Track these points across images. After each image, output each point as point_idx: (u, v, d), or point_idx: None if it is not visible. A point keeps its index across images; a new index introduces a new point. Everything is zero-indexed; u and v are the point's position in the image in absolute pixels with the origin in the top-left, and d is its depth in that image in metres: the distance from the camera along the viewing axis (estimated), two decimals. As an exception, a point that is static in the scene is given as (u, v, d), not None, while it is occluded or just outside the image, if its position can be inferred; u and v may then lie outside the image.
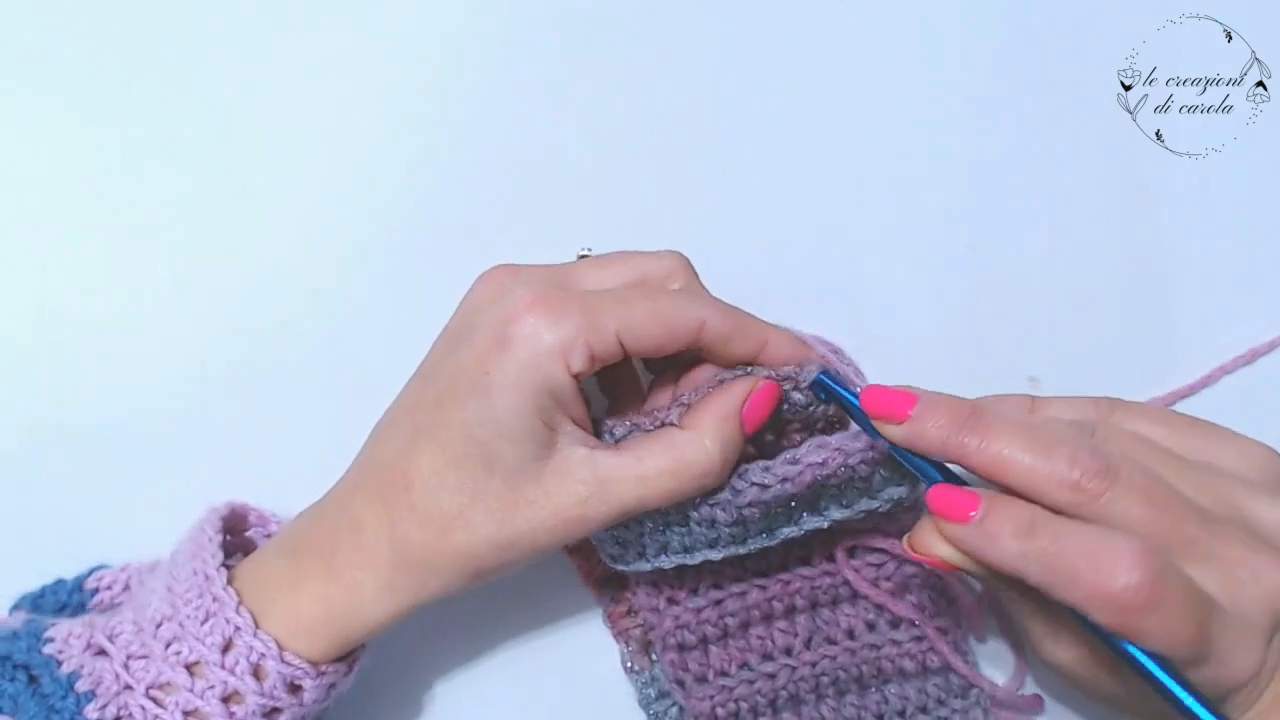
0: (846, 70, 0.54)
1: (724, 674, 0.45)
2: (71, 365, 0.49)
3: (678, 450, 0.40)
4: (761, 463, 0.41)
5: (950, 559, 0.37)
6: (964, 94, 0.54)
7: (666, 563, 0.43)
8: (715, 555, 0.43)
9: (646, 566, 0.44)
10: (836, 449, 0.41)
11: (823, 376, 0.42)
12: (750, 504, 0.41)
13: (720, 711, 0.45)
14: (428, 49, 0.53)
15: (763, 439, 0.43)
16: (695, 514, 0.42)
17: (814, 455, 0.41)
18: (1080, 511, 0.36)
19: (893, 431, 0.38)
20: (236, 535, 0.44)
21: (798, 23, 0.55)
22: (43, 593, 0.44)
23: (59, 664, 0.39)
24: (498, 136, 0.52)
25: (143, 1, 0.52)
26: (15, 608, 0.44)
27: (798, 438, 0.44)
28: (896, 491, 0.43)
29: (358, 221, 0.51)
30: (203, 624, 0.39)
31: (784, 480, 0.41)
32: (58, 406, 0.49)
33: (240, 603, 0.39)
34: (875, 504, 0.43)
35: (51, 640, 0.39)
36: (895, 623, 0.47)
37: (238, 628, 0.38)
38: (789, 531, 0.43)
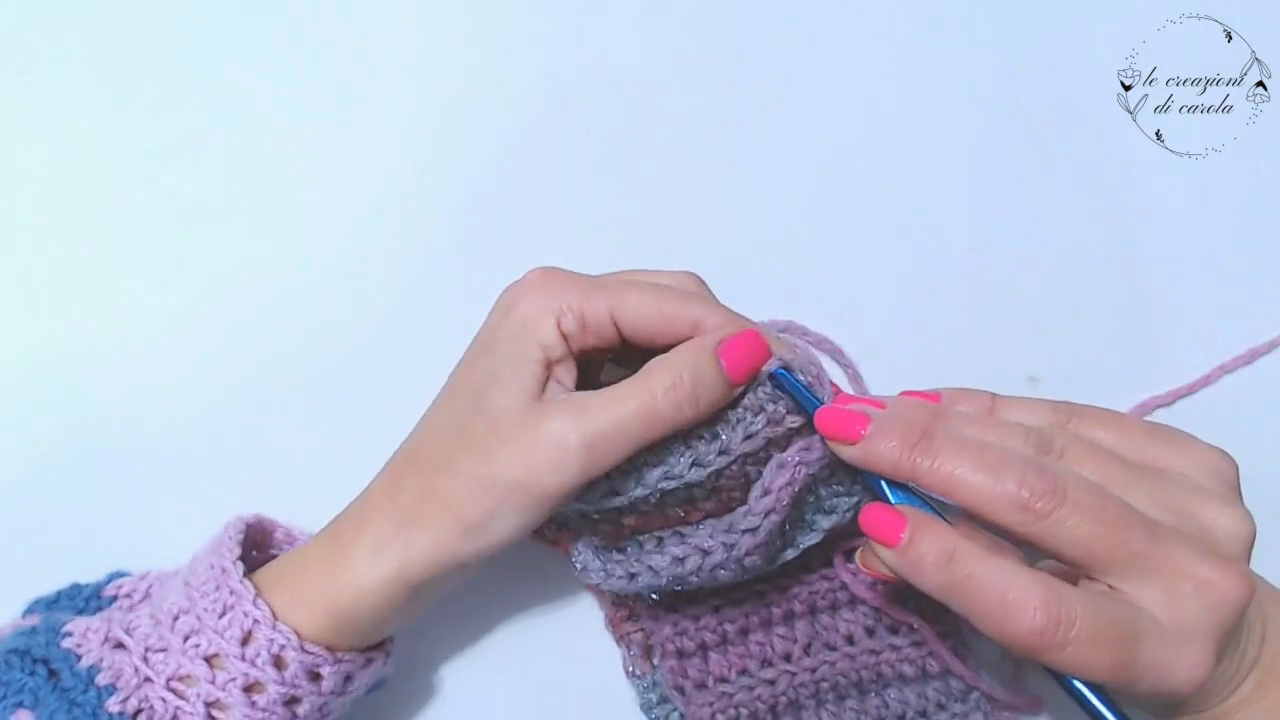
0: (846, 71, 0.54)
1: (724, 680, 0.45)
2: (94, 378, 0.49)
3: (648, 373, 0.40)
4: (740, 509, 0.41)
5: (891, 575, 0.38)
6: (964, 94, 0.55)
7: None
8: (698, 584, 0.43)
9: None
10: (798, 464, 0.41)
11: (782, 372, 0.41)
12: (749, 553, 0.41)
13: (720, 718, 0.45)
14: (445, 57, 0.53)
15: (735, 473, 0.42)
16: (697, 578, 0.42)
17: (780, 478, 0.41)
18: (1029, 530, 0.36)
19: (846, 452, 0.39)
20: (262, 551, 0.44)
21: (797, 24, 0.55)
22: (57, 597, 0.45)
23: (78, 658, 0.39)
24: (512, 147, 0.53)
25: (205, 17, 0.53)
26: (29, 611, 0.44)
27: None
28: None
29: (384, 234, 0.52)
30: (220, 617, 0.39)
31: (769, 514, 0.41)
32: (80, 418, 0.49)
33: (258, 594, 0.39)
34: (855, 498, 0.43)
35: (69, 634, 0.39)
36: (894, 628, 0.47)
37: (256, 620, 0.39)
38: (790, 554, 0.43)
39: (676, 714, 0.46)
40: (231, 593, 0.39)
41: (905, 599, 0.47)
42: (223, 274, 0.50)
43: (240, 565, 0.40)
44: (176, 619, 0.39)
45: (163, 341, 0.50)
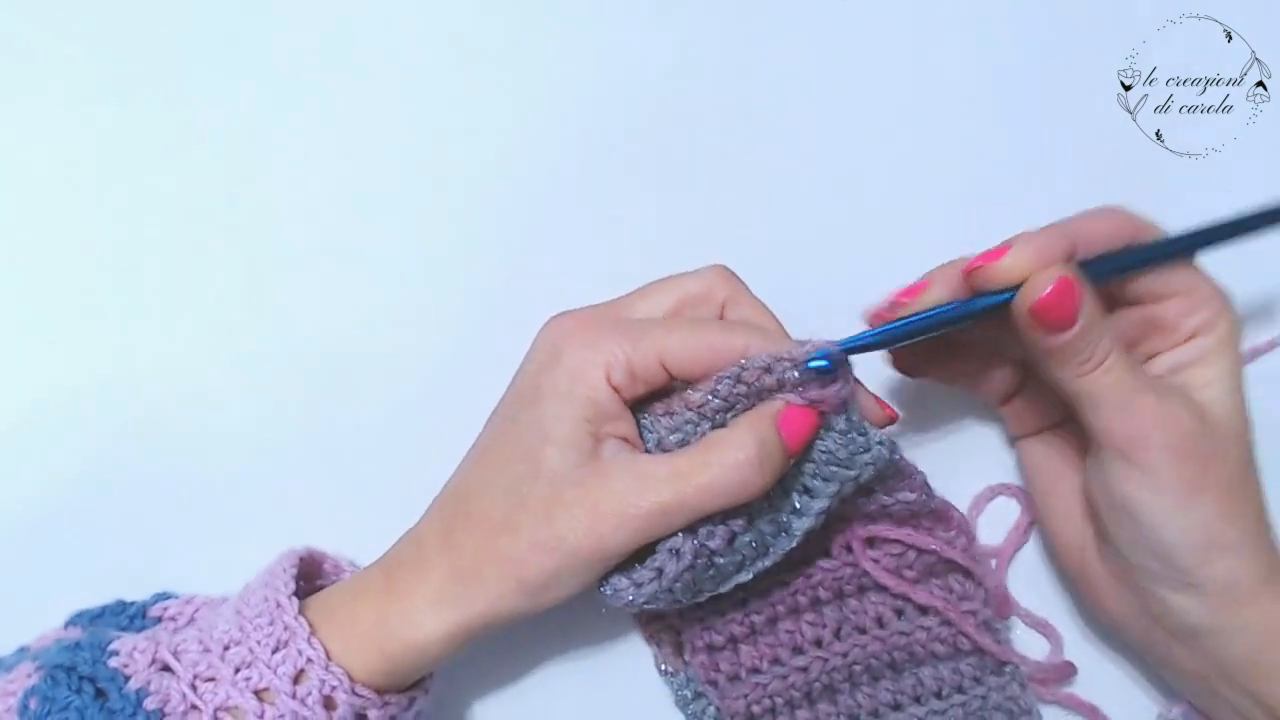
0: (845, 72, 0.55)
1: (756, 671, 0.45)
2: (136, 395, 0.50)
3: (714, 448, 0.40)
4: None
5: (1066, 270, 0.41)
6: (964, 94, 0.55)
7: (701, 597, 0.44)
8: (726, 587, 0.43)
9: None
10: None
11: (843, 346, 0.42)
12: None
13: (755, 709, 0.45)
14: (456, 63, 0.55)
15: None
16: (722, 558, 0.41)
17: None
18: None
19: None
20: (310, 581, 0.44)
21: (797, 25, 0.55)
22: (101, 612, 0.44)
23: (126, 678, 0.38)
24: (531, 146, 0.54)
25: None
26: (71, 623, 0.44)
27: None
28: (865, 457, 0.42)
29: (419, 243, 0.53)
30: (274, 653, 0.39)
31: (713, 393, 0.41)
32: (123, 435, 0.50)
33: (312, 633, 0.39)
34: (853, 472, 0.42)
35: (116, 653, 0.39)
36: (924, 608, 0.47)
37: (310, 659, 0.39)
38: (784, 543, 0.43)
39: (712, 708, 0.46)
40: (286, 628, 0.39)
41: (932, 579, 0.47)
42: (266, 290, 0.52)
43: (295, 601, 0.40)
44: (227, 649, 0.39)
45: (204, 359, 0.51)
